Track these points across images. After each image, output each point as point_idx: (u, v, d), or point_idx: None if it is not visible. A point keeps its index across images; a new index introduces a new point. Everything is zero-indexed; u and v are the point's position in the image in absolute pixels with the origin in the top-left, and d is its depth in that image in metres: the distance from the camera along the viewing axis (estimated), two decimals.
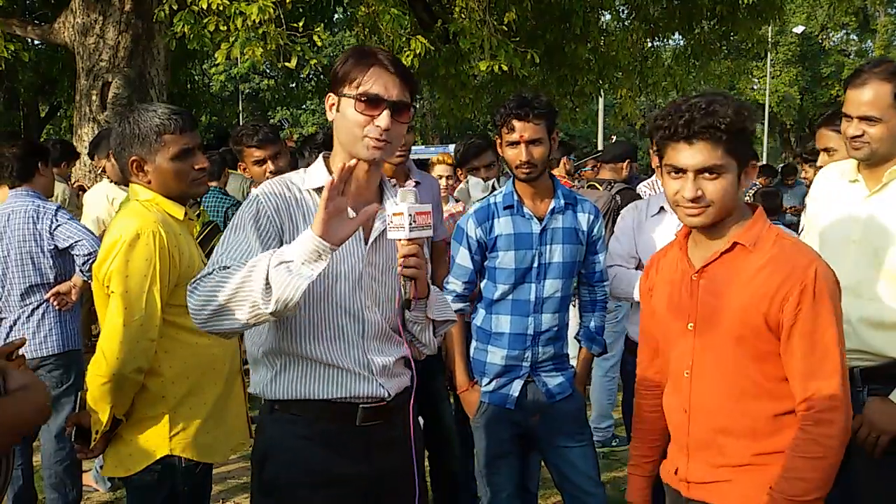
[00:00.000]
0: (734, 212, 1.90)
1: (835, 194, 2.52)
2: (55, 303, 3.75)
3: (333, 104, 1.94)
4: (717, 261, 1.92)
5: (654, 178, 5.09)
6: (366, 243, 1.96)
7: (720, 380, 1.92)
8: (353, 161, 1.75)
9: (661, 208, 3.11)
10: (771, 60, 32.91)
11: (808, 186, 3.00)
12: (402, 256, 1.84)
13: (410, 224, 1.81)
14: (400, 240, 1.84)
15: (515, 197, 2.82)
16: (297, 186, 1.94)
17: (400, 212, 1.82)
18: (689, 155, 1.83)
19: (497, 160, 4.17)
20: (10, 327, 3.73)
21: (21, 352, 1.97)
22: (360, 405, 1.95)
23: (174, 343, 2.34)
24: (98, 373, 2.23)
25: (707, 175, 1.83)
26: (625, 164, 5.06)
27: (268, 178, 3.35)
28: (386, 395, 1.98)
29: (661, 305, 2.07)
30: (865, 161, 2.43)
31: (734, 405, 1.90)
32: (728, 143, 1.81)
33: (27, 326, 3.74)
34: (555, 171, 5.72)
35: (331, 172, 1.94)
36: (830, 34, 39.64)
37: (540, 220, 2.80)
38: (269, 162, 3.52)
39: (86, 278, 3.71)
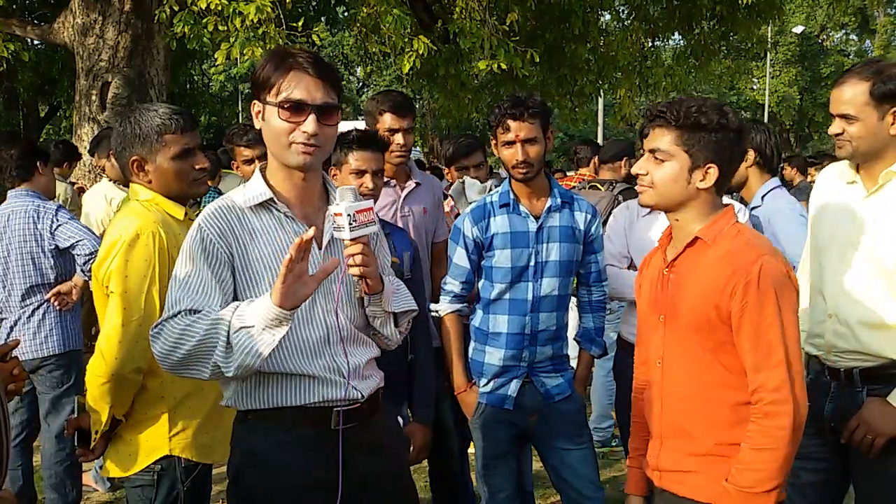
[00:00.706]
0: (689, 206, 1.99)
1: (833, 196, 2.53)
2: (56, 303, 3.75)
3: (259, 112, 1.90)
4: (682, 255, 2.03)
5: None
6: (320, 249, 1.94)
7: (686, 369, 2.01)
8: (311, 232, 1.69)
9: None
10: (770, 60, 32.92)
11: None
12: (348, 255, 1.85)
13: (350, 223, 1.81)
14: (365, 236, 1.85)
15: (511, 196, 2.81)
16: (238, 205, 1.90)
17: (339, 212, 1.82)
18: (648, 137, 2.03)
19: (486, 160, 4.15)
20: (11, 328, 3.73)
21: (16, 353, 1.98)
22: (334, 408, 1.93)
23: None
24: (97, 373, 2.23)
25: (654, 158, 2.00)
26: (622, 162, 5.05)
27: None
28: (359, 396, 1.97)
29: (644, 301, 2.18)
30: (849, 159, 2.45)
31: (698, 394, 1.99)
32: (679, 135, 1.95)
33: (28, 327, 3.74)
34: (584, 171, 5.68)
35: (269, 185, 1.91)
36: (830, 34, 39.67)
37: (536, 218, 2.80)
38: (257, 161, 3.50)
39: (87, 278, 3.71)
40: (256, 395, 1.91)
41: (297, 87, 1.83)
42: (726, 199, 2.40)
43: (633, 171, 2.07)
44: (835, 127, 2.40)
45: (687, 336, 1.99)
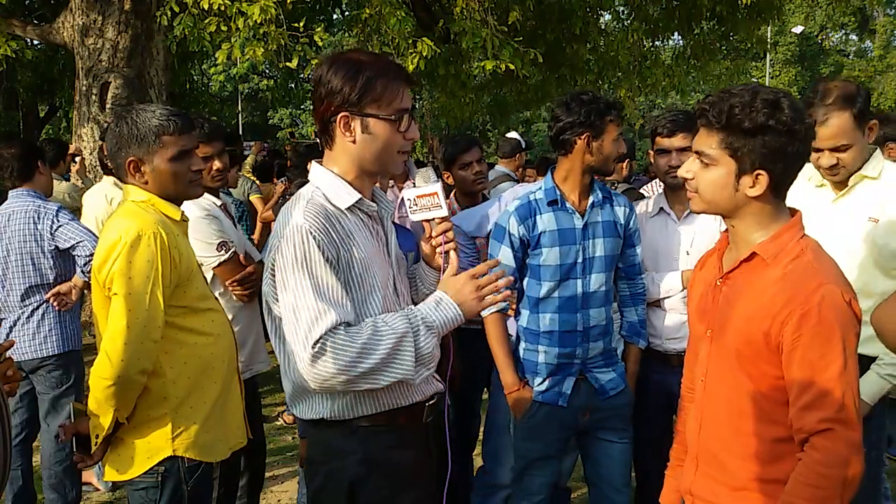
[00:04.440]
0: (742, 214, 1.80)
1: (803, 197, 2.57)
2: (55, 303, 3.75)
3: (353, 126, 1.86)
4: (738, 269, 1.83)
5: (655, 181, 5.06)
6: (388, 249, 1.99)
7: (726, 394, 1.85)
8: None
9: (661, 209, 3.10)
10: (770, 60, 32.94)
11: None
12: (443, 232, 1.93)
13: (444, 200, 1.91)
14: (434, 219, 1.92)
15: (558, 192, 2.78)
16: (331, 207, 1.87)
17: (433, 191, 1.89)
18: (696, 137, 1.83)
19: (483, 156, 4.11)
20: (10, 328, 3.73)
21: (14, 353, 1.97)
22: (426, 403, 1.99)
23: (174, 344, 2.33)
24: (103, 375, 2.22)
25: (700, 160, 1.80)
26: (625, 163, 5.05)
27: (213, 177, 3.15)
28: (441, 388, 2.03)
29: (692, 307, 2.02)
30: (841, 181, 2.58)
31: (734, 422, 1.83)
32: (723, 137, 1.74)
33: (27, 327, 3.74)
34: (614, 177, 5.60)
35: (357, 190, 1.91)
36: (829, 34, 39.70)
37: (581, 214, 2.79)
38: (217, 160, 3.22)
39: (87, 279, 3.71)
40: (371, 401, 1.92)
41: (406, 96, 1.87)
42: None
43: (679, 174, 1.89)
44: (828, 160, 2.49)
45: (731, 359, 1.81)
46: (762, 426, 1.78)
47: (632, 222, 2.92)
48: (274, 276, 1.82)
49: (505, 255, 2.80)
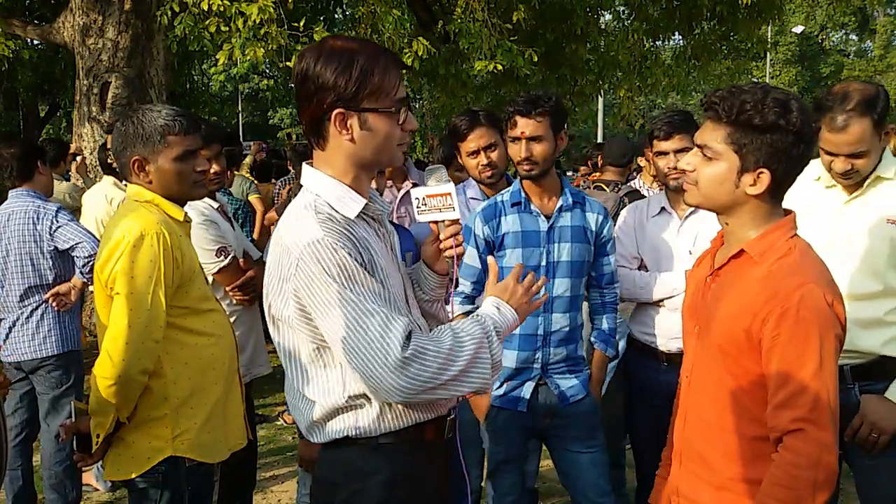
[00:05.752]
0: (738, 211, 1.80)
1: (811, 199, 2.53)
2: (54, 304, 3.75)
3: (351, 124, 1.68)
4: (727, 265, 1.84)
5: (637, 179, 5.05)
6: (395, 253, 1.88)
7: (710, 390, 1.85)
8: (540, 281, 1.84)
9: (662, 208, 3.10)
10: (770, 60, 32.95)
11: None
12: (451, 235, 1.82)
13: (457, 201, 1.82)
14: (444, 220, 1.83)
15: (523, 194, 2.79)
16: (339, 216, 1.70)
17: (446, 192, 1.79)
18: (700, 129, 1.83)
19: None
20: (10, 328, 3.73)
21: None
22: (447, 417, 1.86)
23: (175, 344, 2.34)
24: (104, 375, 2.22)
25: (702, 154, 1.80)
26: (632, 165, 5.04)
27: (211, 179, 3.06)
28: (461, 399, 1.96)
29: (685, 304, 2.02)
30: (856, 184, 2.50)
31: (718, 420, 1.83)
32: (730, 132, 1.74)
33: (26, 327, 3.73)
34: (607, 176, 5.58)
35: (362, 194, 1.74)
36: (830, 34, 39.75)
37: (547, 217, 2.78)
38: (214, 163, 3.19)
39: (86, 280, 3.71)
40: (398, 415, 1.76)
41: (401, 84, 1.71)
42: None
43: (680, 166, 1.89)
44: (842, 165, 2.40)
45: (715, 355, 1.81)
46: (744, 424, 1.79)
47: (605, 230, 2.89)
48: (299, 300, 1.64)
49: (470, 256, 2.81)
